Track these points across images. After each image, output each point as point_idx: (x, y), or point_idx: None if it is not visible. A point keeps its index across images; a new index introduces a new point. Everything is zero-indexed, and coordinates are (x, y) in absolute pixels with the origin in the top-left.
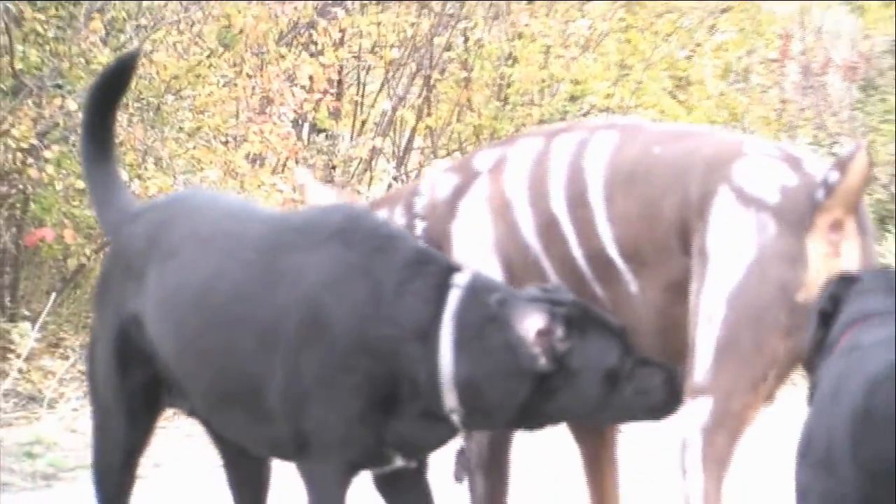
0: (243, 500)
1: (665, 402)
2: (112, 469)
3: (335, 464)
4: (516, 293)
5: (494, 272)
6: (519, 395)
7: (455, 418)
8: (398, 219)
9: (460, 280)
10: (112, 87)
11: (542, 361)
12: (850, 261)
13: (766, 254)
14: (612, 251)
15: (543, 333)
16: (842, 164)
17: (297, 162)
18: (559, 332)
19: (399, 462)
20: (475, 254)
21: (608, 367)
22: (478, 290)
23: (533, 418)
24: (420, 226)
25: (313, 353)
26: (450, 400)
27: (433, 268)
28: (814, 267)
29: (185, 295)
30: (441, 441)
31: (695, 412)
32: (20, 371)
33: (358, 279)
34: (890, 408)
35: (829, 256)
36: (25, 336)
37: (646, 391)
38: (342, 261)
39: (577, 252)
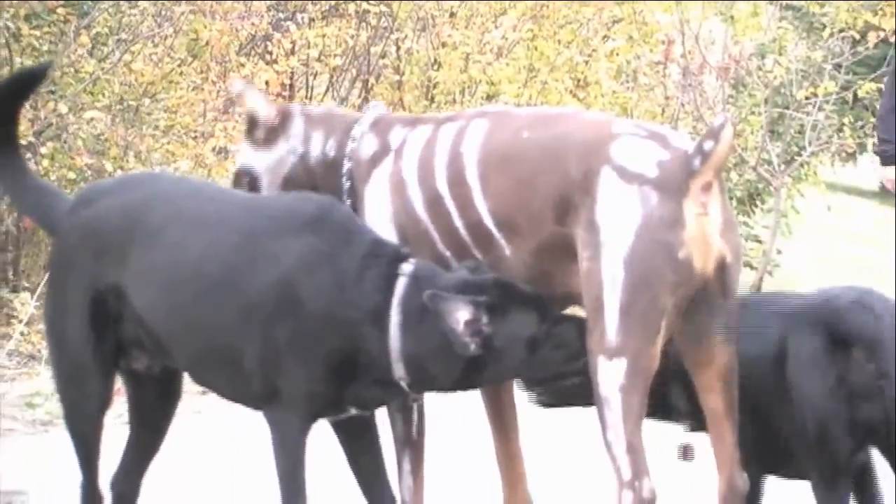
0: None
1: (580, 349)
2: (91, 419)
3: (299, 413)
4: (447, 281)
5: (391, 239)
6: (455, 371)
7: (403, 384)
8: (329, 149)
9: (406, 269)
10: (21, 90)
11: (473, 347)
12: (714, 216)
13: (651, 221)
14: (488, 222)
15: (471, 323)
16: (714, 134)
17: None
18: (484, 319)
19: (353, 412)
20: (377, 222)
21: (528, 336)
22: (419, 279)
23: (468, 384)
24: (346, 168)
25: (287, 326)
26: (398, 370)
27: (385, 259)
28: (689, 226)
29: (176, 272)
30: (392, 398)
31: (612, 372)
32: (22, 334)
33: (326, 266)
34: None
35: (700, 216)
36: (26, 304)
37: (563, 345)
38: (314, 248)
39: (459, 223)
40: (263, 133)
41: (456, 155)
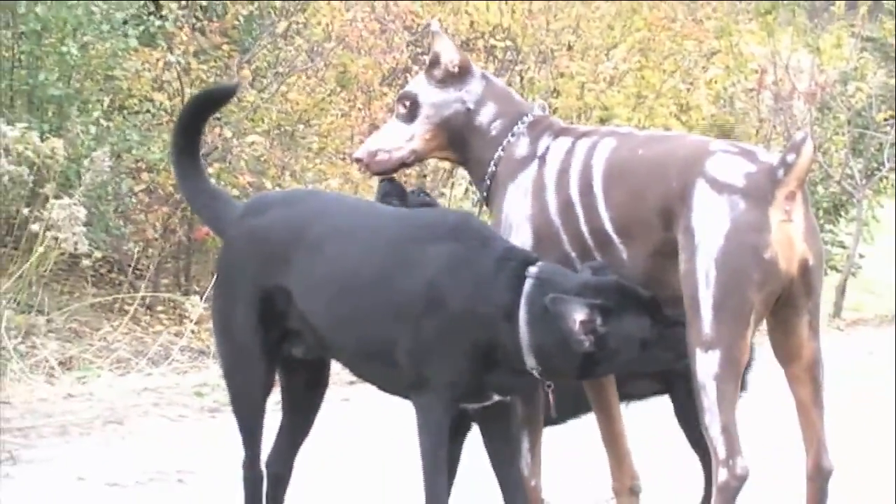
0: (292, 423)
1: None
2: (255, 403)
3: (444, 398)
4: (569, 283)
5: (526, 238)
6: (575, 363)
7: (535, 373)
8: (493, 127)
9: (532, 272)
10: (211, 104)
11: (587, 345)
12: (798, 223)
13: (738, 225)
14: (609, 228)
15: (586, 323)
16: (796, 147)
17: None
18: (598, 320)
19: (496, 398)
20: (516, 219)
21: (640, 338)
22: (544, 280)
23: (588, 374)
24: (490, 170)
25: (434, 322)
26: (529, 360)
27: (515, 262)
28: (774, 230)
29: (336, 277)
30: (528, 386)
31: (708, 362)
32: (192, 332)
33: (467, 269)
34: None
35: (784, 222)
36: (196, 306)
37: (672, 347)
38: (456, 254)
39: (584, 228)
40: (441, 74)
41: (587, 167)
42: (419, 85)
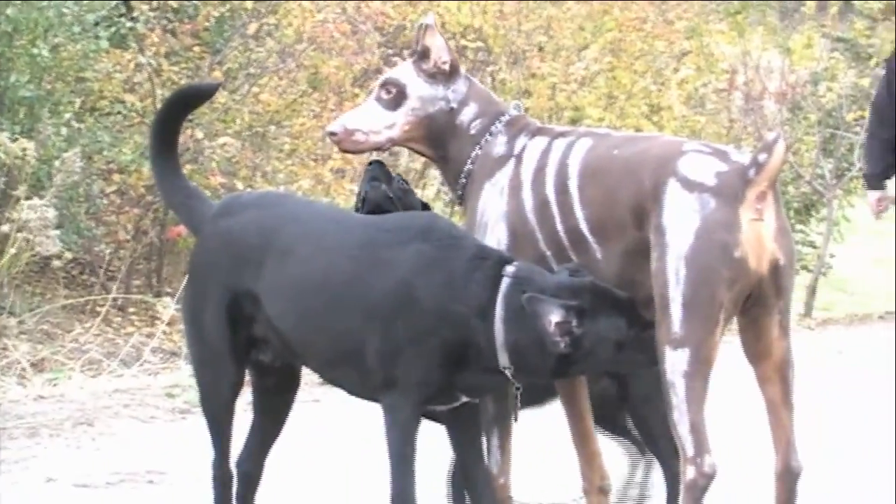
0: (262, 423)
1: None
2: (224, 404)
3: (413, 398)
4: (545, 283)
5: (501, 236)
6: (549, 363)
7: (508, 373)
8: (473, 126)
9: (509, 271)
10: (190, 103)
11: (562, 346)
12: (769, 222)
13: (708, 223)
14: (584, 227)
15: (561, 324)
16: (768, 147)
17: None
18: (574, 322)
19: (464, 399)
20: (491, 218)
21: (615, 339)
22: (521, 280)
23: (562, 374)
24: (473, 153)
25: (405, 322)
26: (503, 360)
27: (490, 261)
28: (744, 229)
29: (306, 283)
30: (498, 387)
31: (677, 360)
32: (164, 333)
33: (437, 269)
34: None
35: (754, 221)
36: (167, 307)
37: (647, 349)
38: (426, 254)
39: (560, 227)
40: (430, 69)
41: (563, 166)
42: (408, 75)
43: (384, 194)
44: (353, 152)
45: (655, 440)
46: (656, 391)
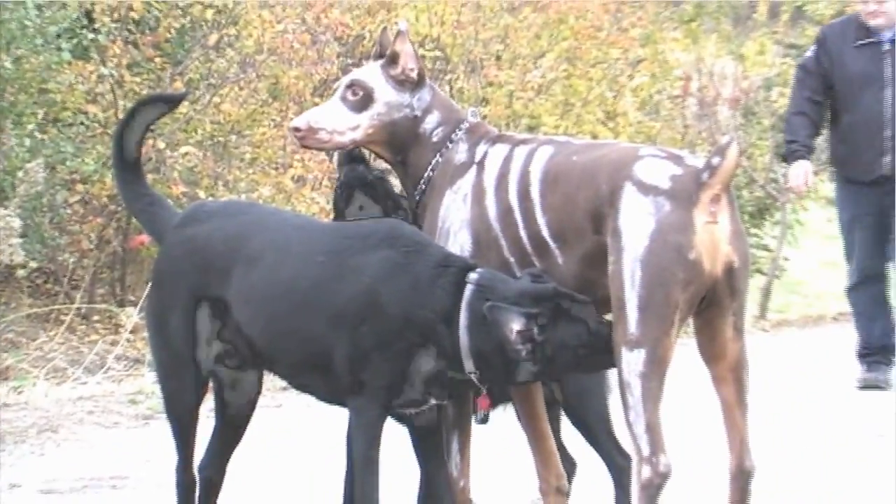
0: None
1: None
2: (188, 410)
3: (380, 402)
4: (507, 290)
5: (465, 243)
6: (512, 369)
7: (474, 378)
8: (435, 134)
9: (472, 278)
10: (157, 110)
11: (524, 354)
12: (723, 225)
13: (663, 226)
14: (545, 233)
15: (522, 332)
16: (721, 151)
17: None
18: (535, 330)
19: (433, 402)
20: (455, 224)
21: (576, 345)
22: (484, 287)
23: (527, 380)
24: (434, 160)
25: (371, 327)
26: (468, 365)
27: (454, 268)
28: (699, 232)
29: (273, 289)
30: (465, 390)
31: (633, 361)
32: (128, 340)
33: (403, 275)
34: None
35: (709, 223)
36: (131, 316)
37: (607, 352)
38: (392, 260)
39: (523, 233)
40: (398, 74)
41: (525, 173)
42: (375, 78)
43: (362, 175)
44: (315, 149)
45: (596, 437)
46: (590, 388)
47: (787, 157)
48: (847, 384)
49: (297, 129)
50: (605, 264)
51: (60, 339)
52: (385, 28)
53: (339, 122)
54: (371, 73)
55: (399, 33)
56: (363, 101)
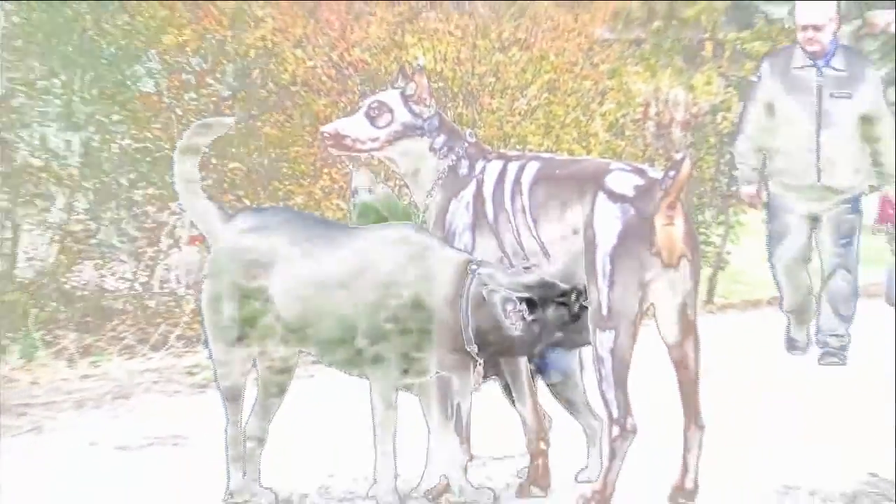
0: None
1: None
2: (237, 379)
3: (396, 371)
4: (502, 279)
5: (468, 242)
6: (507, 344)
7: (474, 353)
8: (442, 155)
9: (474, 269)
10: (211, 133)
11: (516, 332)
12: (678, 226)
13: (629, 227)
14: (535, 234)
15: (515, 313)
16: (676, 165)
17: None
18: (526, 311)
19: (437, 373)
20: (459, 227)
21: (559, 324)
22: (484, 276)
23: (522, 353)
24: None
25: (390, 311)
26: (470, 342)
27: (458, 261)
28: (658, 232)
29: (308, 280)
30: (465, 363)
31: (605, 340)
32: (185, 323)
33: (415, 267)
34: None
35: (666, 225)
36: (189, 303)
37: (585, 330)
38: (405, 256)
39: (516, 235)
40: (415, 104)
41: (517, 184)
42: (395, 102)
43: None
44: (339, 153)
45: (575, 406)
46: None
47: (740, 179)
48: (777, 353)
49: (326, 135)
50: (582, 258)
51: (130, 321)
52: (404, 64)
53: (361, 132)
54: (392, 97)
55: (418, 68)
56: (384, 119)
